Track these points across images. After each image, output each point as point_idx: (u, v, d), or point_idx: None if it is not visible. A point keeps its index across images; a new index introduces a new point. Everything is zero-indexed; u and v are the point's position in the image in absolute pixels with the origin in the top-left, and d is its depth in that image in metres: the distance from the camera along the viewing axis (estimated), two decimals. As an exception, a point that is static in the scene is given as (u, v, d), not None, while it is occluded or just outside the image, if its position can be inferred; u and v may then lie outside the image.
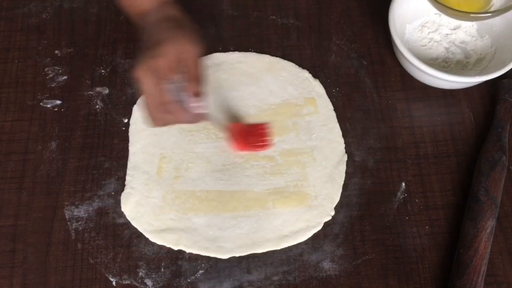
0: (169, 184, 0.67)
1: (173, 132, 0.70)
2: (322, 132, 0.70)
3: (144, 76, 0.56)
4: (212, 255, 0.63)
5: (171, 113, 0.58)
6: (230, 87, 0.73)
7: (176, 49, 0.57)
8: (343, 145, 0.70)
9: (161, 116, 0.59)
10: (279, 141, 0.69)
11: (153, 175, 0.67)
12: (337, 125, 0.71)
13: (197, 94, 0.59)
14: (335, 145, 0.70)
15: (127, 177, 0.67)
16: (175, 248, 0.63)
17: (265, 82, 0.73)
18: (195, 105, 0.59)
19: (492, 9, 0.69)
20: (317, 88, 0.73)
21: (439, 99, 0.74)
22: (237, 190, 0.67)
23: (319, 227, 0.65)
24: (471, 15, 0.68)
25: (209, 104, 0.61)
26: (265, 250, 0.64)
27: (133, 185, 0.66)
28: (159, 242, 0.64)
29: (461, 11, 0.67)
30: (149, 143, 0.69)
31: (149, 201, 0.66)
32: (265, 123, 0.68)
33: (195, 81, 0.59)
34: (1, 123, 0.70)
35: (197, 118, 0.60)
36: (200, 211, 0.65)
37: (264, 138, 0.67)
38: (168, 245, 0.64)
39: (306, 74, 0.74)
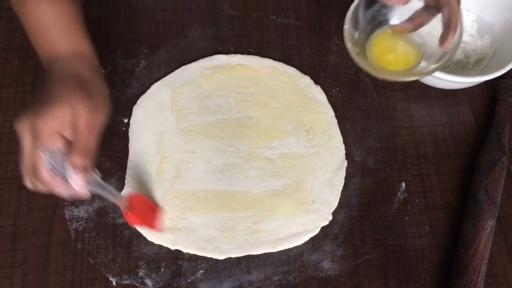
0: (169, 184, 0.67)
1: (173, 132, 0.70)
2: (323, 138, 0.70)
3: (23, 131, 0.51)
4: (208, 255, 0.63)
5: (42, 182, 0.52)
6: (231, 89, 0.73)
7: (72, 112, 0.51)
8: (343, 151, 0.70)
9: (32, 180, 0.52)
10: (279, 145, 0.69)
11: (153, 175, 0.67)
12: (338, 131, 0.71)
13: (82, 169, 0.52)
14: (335, 151, 0.70)
15: (127, 177, 0.67)
16: (173, 247, 0.64)
17: (266, 86, 0.73)
18: (74, 181, 0.52)
19: (425, 58, 0.66)
20: (318, 94, 0.73)
21: (439, 99, 0.74)
22: (236, 191, 0.67)
23: (316, 231, 0.65)
24: (399, 77, 0.65)
25: (94, 181, 0.55)
26: (261, 252, 0.64)
27: (133, 185, 0.66)
28: (156, 242, 0.64)
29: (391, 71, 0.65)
30: (149, 142, 0.69)
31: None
32: (159, 208, 0.65)
33: (82, 153, 0.52)
34: (1, 123, 0.70)
35: (75, 194, 0.53)
36: (198, 211, 0.65)
37: (155, 220, 0.63)
38: (165, 245, 0.64)
39: (307, 80, 0.74)
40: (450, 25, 0.59)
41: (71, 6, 0.60)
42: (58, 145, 0.51)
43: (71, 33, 0.59)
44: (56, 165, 0.51)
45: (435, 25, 0.63)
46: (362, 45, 0.66)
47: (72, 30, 0.60)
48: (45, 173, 0.51)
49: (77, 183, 0.52)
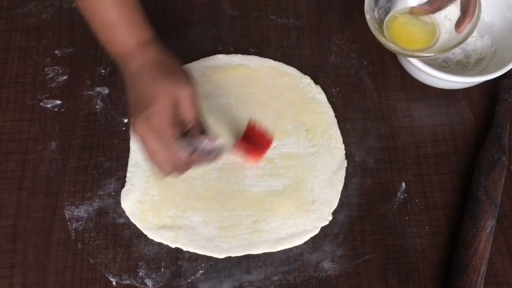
0: (169, 181, 0.67)
1: (173, 131, 0.70)
2: (323, 138, 0.70)
3: (145, 135, 0.55)
4: (208, 254, 0.63)
5: (192, 163, 0.57)
6: (231, 88, 0.73)
7: (170, 100, 0.55)
8: (343, 151, 0.70)
9: (175, 170, 0.57)
10: (279, 145, 0.69)
11: (154, 173, 0.67)
12: (338, 131, 0.71)
13: (203, 132, 0.58)
14: (335, 151, 0.70)
15: (128, 174, 0.67)
16: (173, 246, 0.64)
17: (266, 86, 0.73)
18: (211, 145, 0.58)
19: (439, 41, 0.70)
20: (318, 94, 0.73)
21: (439, 99, 0.74)
22: (236, 190, 0.67)
23: (316, 231, 0.65)
24: (416, 53, 0.68)
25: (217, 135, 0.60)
26: (261, 252, 0.64)
27: (133, 182, 0.67)
28: (157, 240, 0.64)
29: (409, 50, 0.68)
30: (149, 142, 0.69)
31: (149, 198, 0.66)
32: (251, 120, 0.67)
33: (196, 121, 0.58)
34: (1, 123, 0.70)
35: (218, 155, 0.59)
36: (198, 209, 0.65)
37: (264, 135, 0.67)
38: (165, 243, 0.64)
39: (307, 80, 0.74)
40: (468, 10, 0.60)
41: None
42: (179, 131, 0.56)
43: (137, 25, 0.60)
44: (189, 146, 0.56)
45: (451, 9, 0.66)
46: (380, 22, 0.70)
47: (137, 22, 0.60)
48: (187, 156, 0.56)
49: (212, 145, 0.58)
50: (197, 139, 0.57)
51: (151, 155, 0.56)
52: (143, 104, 0.56)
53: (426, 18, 0.70)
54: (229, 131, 0.70)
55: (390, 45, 0.67)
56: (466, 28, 0.65)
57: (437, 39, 0.69)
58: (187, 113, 0.57)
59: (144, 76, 0.58)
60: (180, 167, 0.57)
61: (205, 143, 0.57)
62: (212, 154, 0.58)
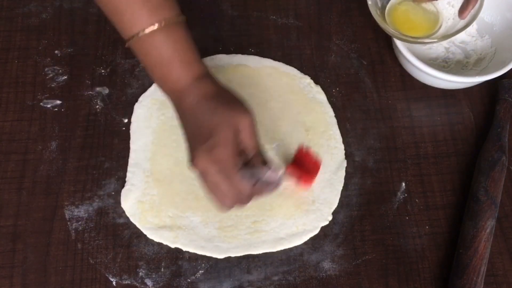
0: (169, 181, 0.67)
1: (174, 130, 0.70)
2: (322, 138, 0.70)
3: (208, 168, 0.53)
4: (208, 254, 0.63)
5: (254, 194, 0.56)
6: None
7: (232, 129, 0.54)
8: (343, 152, 0.70)
9: (238, 202, 0.55)
10: (279, 146, 0.69)
11: (154, 173, 0.67)
12: (338, 131, 0.71)
13: (264, 162, 0.57)
14: (335, 151, 0.69)
15: (128, 174, 0.67)
16: (172, 246, 0.64)
17: (266, 86, 0.73)
18: (274, 176, 0.56)
19: (442, 29, 0.70)
20: (318, 94, 0.73)
21: (439, 99, 0.74)
22: (236, 190, 0.67)
23: (316, 231, 0.65)
24: (419, 39, 0.69)
25: (278, 165, 0.60)
26: (260, 252, 0.64)
27: (133, 182, 0.67)
28: (156, 239, 0.64)
29: (411, 37, 0.68)
30: (150, 140, 0.69)
31: (149, 198, 0.66)
32: (301, 145, 0.66)
33: (257, 150, 0.57)
34: (1, 123, 0.70)
35: (279, 184, 0.58)
36: (198, 209, 0.65)
37: (314, 160, 0.65)
38: (165, 243, 0.64)
39: (307, 80, 0.74)
40: None
41: (182, 32, 0.58)
42: (241, 161, 0.55)
43: (191, 61, 0.58)
44: (252, 176, 0.55)
45: None
46: (383, 8, 0.70)
47: (191, 58, 0.58)
48: (250, 187, 0.55)
49: (276, 176, 0.57)
50: (260, 169, 0.56)
51: (213, 189, 0.54)
52: (203, 137, 0.54)
53: (429, 5, 0.69)
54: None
55: (391, 31, 0.66)
56: (469, 14, 0.65)
57: (440, 26, 0.69)
58: (248, 142, 0.56)
59: (202, 108, 0.56)
60: (243, 199, 0.55)
61: (268, 174, 0.56)
62: (273, 184, 0.57)
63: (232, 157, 0.53)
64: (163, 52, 0.57)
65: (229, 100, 0.57)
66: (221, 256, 0.63)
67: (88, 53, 0.75)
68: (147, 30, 0.55)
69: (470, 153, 0.71)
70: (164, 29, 0.55)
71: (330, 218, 0.66)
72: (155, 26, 0.55)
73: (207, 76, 0.58)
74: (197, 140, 0.54)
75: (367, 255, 0.64)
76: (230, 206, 0.55)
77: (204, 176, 0.54)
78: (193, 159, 0.54)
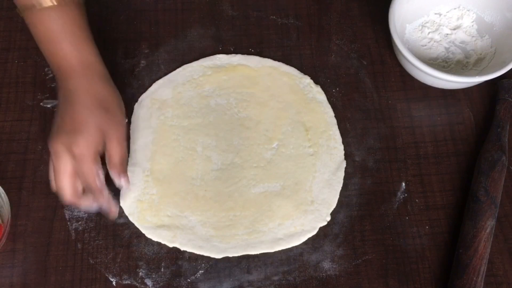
0: (169, 181, 0.67)
1: (174, 130, 0.70)
2: (322, 138, 0.70)
3: (60, 152, 0.57)
4: (205, 254, 0.63)
5: (94, 192, 0.59)
6: (231, 88, 0.73)
7: (100, 137, 0.58)
8: (343, 152, 0.70)
9: (74, 196, 0.59)
10: (279, 145, 0.69)
11: (153, 172, 0.67)
12: (337, 132, 0.71)
13: (123, 175, 0.62)
14: (334, 152, 0.69)
15: (128, 173, 0.67)
16: (170, 245, 0.64)
17: (266, 86, 0.73)
18: (121, 186, 0.63)
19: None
20: (318, 94, 0.73)
21: (439, 99, 0.74)
22: (234, 190, 0.67)
23: (314, 232, 0.65)
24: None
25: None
26: (258, 252, 0.64)
27: (133, 181, 0.67)
28: (154, 238, 0.64)
29: None
30: (150, 140, 0.69)
31: (148, 197, 0.66)
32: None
33: (118, 163, 0.61)
34: (1, 123, 0.70)
35: (109, 214, 0.62)
36: (197, 209, 0.65)
37: None
38: (163, 242, 0.64)
39: (307, 80, 0.74)
40: None
41: (77, 12, 0.61)
42: (99, 162, 0.59)
43: (79, 41, 0.61)
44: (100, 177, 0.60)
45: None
46: None
47: (80, 38, 0.61)
48: (99, 184, 0.59)
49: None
50: (113, 175, 0.61)
51: (57, 172, 0.58)
52: (72, 126, 0.58)
53: None
54: (229, 131, 0.70)
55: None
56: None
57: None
58: (113, 152, 0.60)
59: (81, 99, 0.59)
60: (77, 200, 0.59)
61: (105, 205, 0.61)
62: (104, 207, 0.61)
63: (90, 154, 0.57)
64: (54, 29, 0.60)
65: (109, 107, 0.61)
66: (219, 256, 0.63)
67: (88, 53, 0.75)
68: (45, 4, 0.58)
69: (470, 153, 0.71)
70: (58, 6, 0.59)
71: (329, 218, 0.66)
72: (54, 2, 0.58)
73: (95, 64, 0.61)
74: (65, 124, 0.58)
75: (367, 255, 0.64)
76: (68, 200, 0.59)
77: (55, 158, 0.58)
78: (52, 138, 0.58)
